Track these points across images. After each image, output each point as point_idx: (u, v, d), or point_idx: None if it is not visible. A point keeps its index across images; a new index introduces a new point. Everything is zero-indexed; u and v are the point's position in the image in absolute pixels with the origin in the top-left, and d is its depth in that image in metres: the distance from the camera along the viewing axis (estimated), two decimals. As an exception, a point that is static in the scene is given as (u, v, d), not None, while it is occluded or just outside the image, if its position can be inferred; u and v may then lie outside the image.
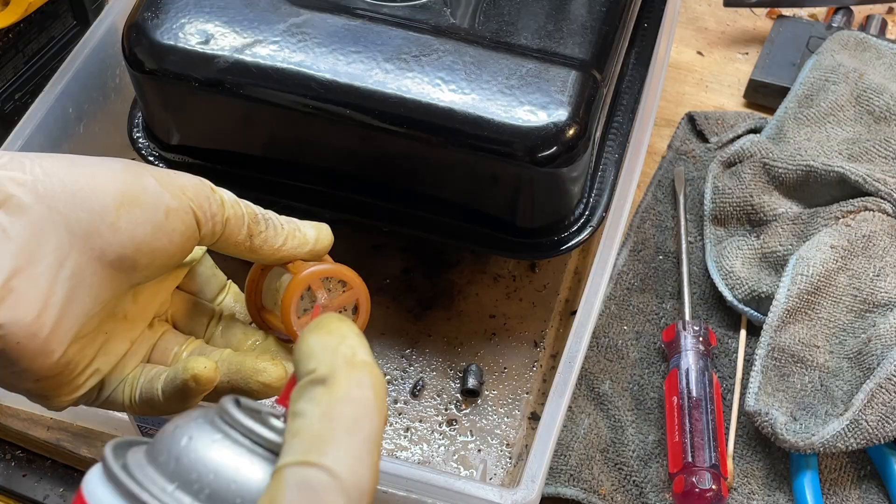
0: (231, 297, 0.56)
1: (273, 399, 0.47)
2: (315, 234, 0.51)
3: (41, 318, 0.43)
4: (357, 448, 0.31)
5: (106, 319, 0.48)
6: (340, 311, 0.52)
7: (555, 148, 0.59)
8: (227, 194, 0.49)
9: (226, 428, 0.34)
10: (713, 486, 0.62)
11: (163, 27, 0.61)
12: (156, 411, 0.50)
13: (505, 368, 0.71)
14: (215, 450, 0.33)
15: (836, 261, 0.69)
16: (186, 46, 0.60)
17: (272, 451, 0.34)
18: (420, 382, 0.70)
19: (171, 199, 0.46)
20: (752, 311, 0.71)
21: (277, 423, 0.34)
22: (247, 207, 0.49)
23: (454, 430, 0.68)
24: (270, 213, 0.51)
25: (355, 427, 0.31)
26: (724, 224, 0.76)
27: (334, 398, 0.32)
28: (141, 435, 0.64)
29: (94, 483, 0.33)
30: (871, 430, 0.62)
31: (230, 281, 0.56)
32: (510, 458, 0.67)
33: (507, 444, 0.68)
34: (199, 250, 0.54)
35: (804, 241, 0.71)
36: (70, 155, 0.46)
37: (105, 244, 0.44)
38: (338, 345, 0.33)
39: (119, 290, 0.46)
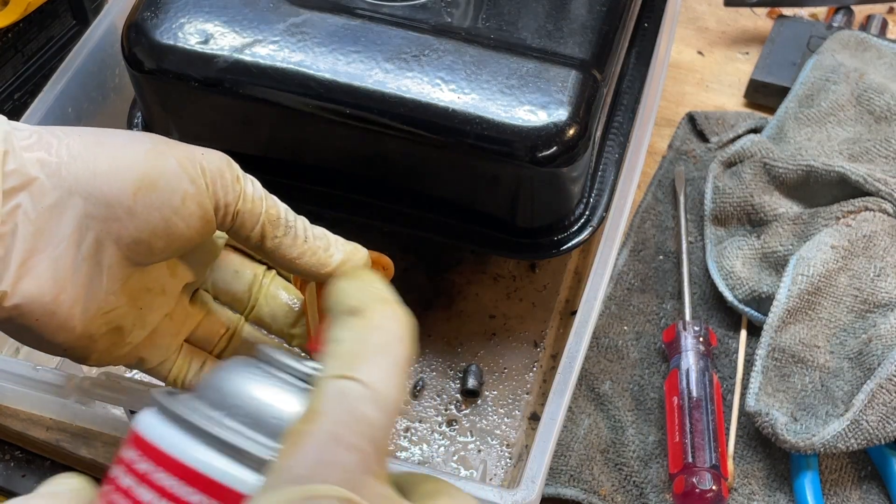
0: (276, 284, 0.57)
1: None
2: (342, 259, 0.50)
3: (58, 298, 0.45)
4: (387, 367, 0.34)
5: (140, 293, 0.49)
6: None
7: (555, 148, 0.58)
8: (251, 186, 0.48)
9: (263, 365, 0.38)
10: (713, 487, 0.62)
11: (162, 27, 0.61)
12: None
13: (505, 369, 0.71)
14: (254, 380, 0.37)
15: (837, 261, 0.69)
16: (186, 46, 0.60)
17: (305, 382, 0.37)
18: (420, 382, 0.70)
19: (189, 184, 0.46)
20: (753, 312, 0.71)
21: (308, 362, 0.38)
22: (270, 207, 0.48)
23: (454, 430, 0.68)
24: (300, 222, 0.49)
25: (386, 350, 0.34)
26: (725, 224, 0.76)
27: (367, 326, 0.35)
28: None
29: (145, 418, 0.36)
30: (871, 431, 0.62)
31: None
32: (510, 459, 0.67)
33: (507, 445, 0.68)
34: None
35: (805, 241, 0.71)
36: (99, 130, 0.47)
37: (122, 228, 0.45)
38: (368, 285, 0.37)
39: (140, 268, 0.48)
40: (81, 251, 0.45)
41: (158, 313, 0.51)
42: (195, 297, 0.55)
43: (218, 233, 0.51)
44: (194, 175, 0.46)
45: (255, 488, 0.33)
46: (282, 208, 0.49)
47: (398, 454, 0.67)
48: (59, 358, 0.63)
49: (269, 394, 0.36)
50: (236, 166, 0.48)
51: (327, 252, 0.49)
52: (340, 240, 0.50)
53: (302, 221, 0.49)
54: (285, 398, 0.36)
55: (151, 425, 0.36)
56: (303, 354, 0.40)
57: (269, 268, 0.57)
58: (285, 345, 0.44)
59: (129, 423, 0.37)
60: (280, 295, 0.56)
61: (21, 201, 0.44)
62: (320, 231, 0.50)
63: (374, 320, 0.35)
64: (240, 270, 0.56)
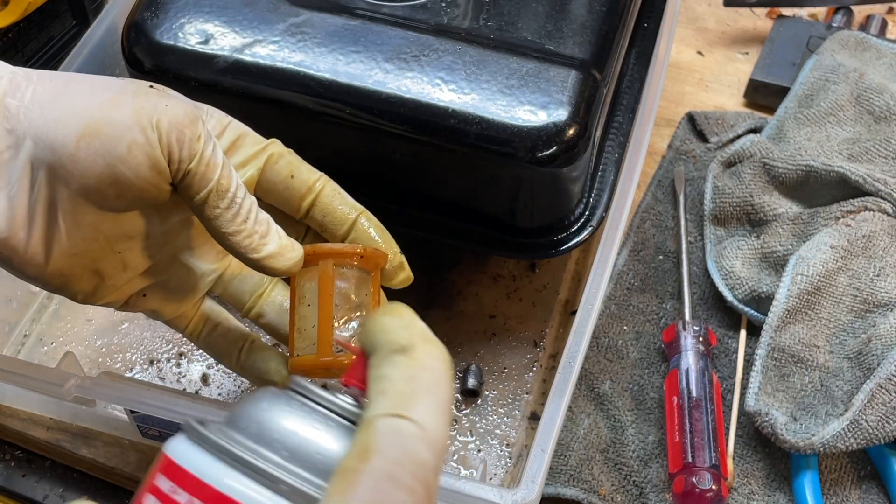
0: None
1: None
2: (275, 250, 0.50)
3: (17, 235, 0.47)
4: (437, 407, 0.34)
5: (118, 238, 0.50)
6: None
7: (555, 148, 0.59)
8: (210, 151, 0.48)
9: (300, 398, 0.37)
10: (713, 487, 0.62)
11: (162, 27, 0.61)
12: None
13: (505, 368, 0.71)
14: (292, 413, 0.36)
15: (837, 261, 0.69)
16: (186, 46, 0.60)
17: (344, 418, 0.36)
18: (420, 382, 0.70)
19: (139, 134, 0.46)
20: (752, 311, 0.71)
21: (345, 397, 0.37)
22: (223, 178, 0.48)
23: (454, 430, 0.68)
24: (249, 202, 0.49)
25: (434, 390, 0.34)
26: (724, 224, 0.76)
27: (415, 365, 0.35)
28: (140, 434, 0.64)
29: (180, 446, 0.35)
30: (871, 431, 0.62)
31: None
32: (510, 458, 0.67)
33: (507, 444, 0.68)
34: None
35: (804, 241, 0.71)
36: (77, 76, 0.48)
37: (67, 173, 0.46)
38: (412, 323, 0.37)
39: (105, 214, 0.49)
40: (34, 193, 0.47)
41: (143, 259, 0.52)
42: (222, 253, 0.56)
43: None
44: (146, 125, 0.46)
45: None
46: (234, 183, 0.49)
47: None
48: (59, 358, 0.63)
49: (310, 428, 0.36)
50: (203, 127, 0.48)
51: (263, 239, 0.49)
52: (281, 232, 0.50)
53: (251, 202, 0.49)
54: (327, 433, 0.36)
55: (187, 453, 0.35)
56: (338, 382, 0.39)
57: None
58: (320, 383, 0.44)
59: (161, 448, 0.36)
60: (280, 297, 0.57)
61: None
62: (264, 217, 0.50)
63: (422, 360, 0.35)
64: (246, 273, 0.57)
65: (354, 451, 0.32)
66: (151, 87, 0.48)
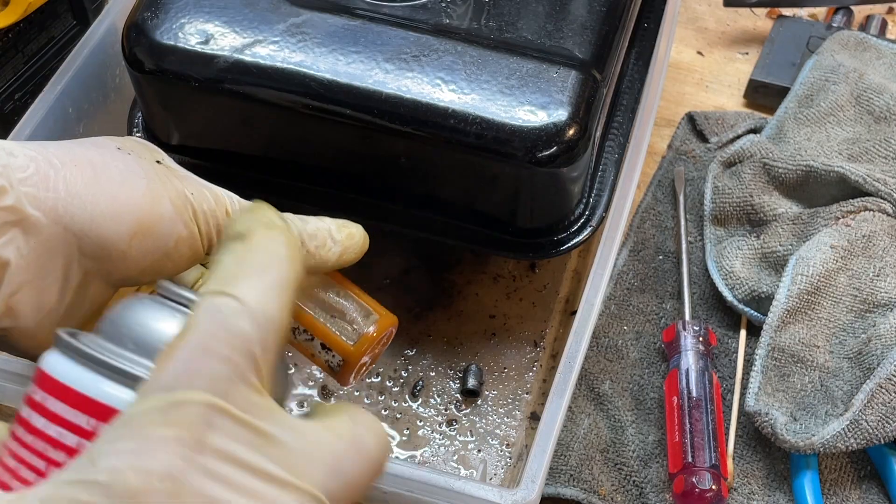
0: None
1: None
2: (339, 251, 0.50)
3: (41, 325, 0.45)
4: (266, 285, 0.35)
5: (100, 314, 0.49)
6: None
7: (555, 148, 0.59)
8: (239, 207, 0.49)
9: (153, 296, 0.40)
10: (713, 487, 0.62)
11: (163, 27, 0.61)
12: None
13: (505, 368, 0.71)
14: (142, 309, 0.39)
15: (836, 261, 0.69)
16: (186, 46, 0.60)
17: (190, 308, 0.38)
18: (420, 382, 0.70)
19: (183, 228, 0.47)
20: (752, 311, 0.71)
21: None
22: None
23: (454, 430, 0.68)
24: (295, 229, 0.49)
25: (266, 269, 0.35)
26: (724, 224, 0.76)
27: (248, 248, 0.36)
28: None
29: (46, 354, 0.38)
30: (871, 431, 0.62)
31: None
32: (510, 459, 0.67)
33: (507, 445, 0.68)
34: None
35: (804, 241, 0.71)
36: (99, 158, 0.47)
37: (113, 268, 0.46)
38: (260, 214, 0.37)
39: (116, 294, 0.48)
40: (69, 284, 0.46)
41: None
42: None
43: None
44: (188, 219, 0.47)
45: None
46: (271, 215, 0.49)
47: (398, 454, 0.67)
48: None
49: (155, 321, 0.38)
50: (224, 199, 0.49)
51: (324, 248, 0.50)
52: (334, 226, 0.50)
53: (296, 226, 0.49)
54: (170, 323, 0.38)
55: (48, 358, 0.37)
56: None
57: None
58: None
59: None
60: None
61: (14, 237, 0.44)
62: (313, 227, 0.50)
63: (257, 243, 0.36)
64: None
65: (179, 332, 0.33)
66: (158, 163, 0.49)
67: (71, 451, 0.35)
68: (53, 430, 0.36)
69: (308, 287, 0.51)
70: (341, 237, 0.51)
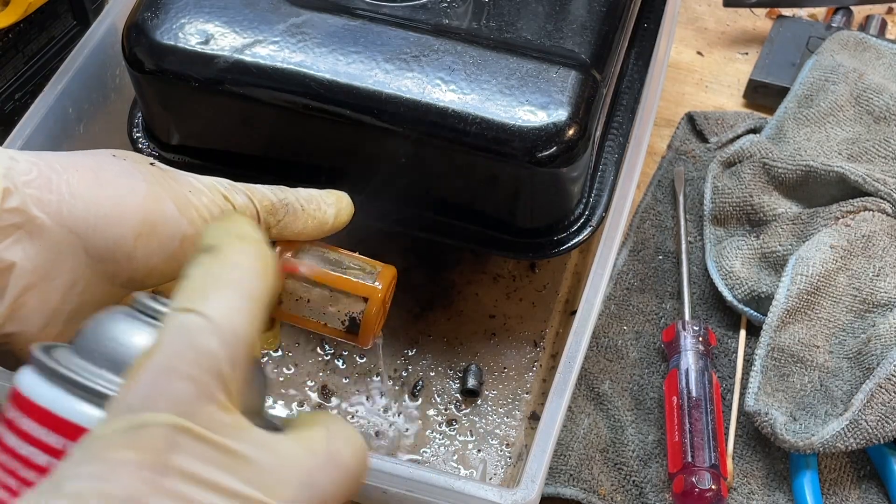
0: None
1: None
2: (334, 211, 0.52)
3: (45, 330, 0.45)
4: (235, 300, 0.34)
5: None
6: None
7: (555, 148, 0.59)
8: (240, 198, 0.49)
9: (129, 310, 0.39)
10: (713, 486, 0.62)
11: (163, 27, 0.61)
12: None
13: (505, 368, 0.71)
14: (114, 324, 0.38)
15: (836, 261, 0.69)
16: (186, 46, 0.60)
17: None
18: (420, 382, 0.70)
19: (188, 226, 0.47)
20: (752, 311, 0.71)
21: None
22: (262, 201, 0.49)
23: (454, 430, 0.68)
24: (289, 195, 0.50)
25: (235, 284, 0.34)
26: (724, 224, 0.76)
27: (218, 262, 0.35)
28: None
29: (21, 371, 0.37)
30: (870, 430, 0.62)
31: None
32: (510, 458, 0.67)
33: (507, 444, 0.68)
34: None
35: (804, 241, 0.71)
36: (97, 164, 0.47)
37: (119, 269, 0.46)
38: (229, 224, 0.36)
39: (122, 297, 0.48)
40: (75, 288, 0.45)
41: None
42: None
43: None
44: (192, 216, 0.47)
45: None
46: (270, 194, 0.50)
47: (398, 454, 0.67)
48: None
49: (128, 336, 0.37)
50: (221, 187, 0.49)
51: (321, 210, 0.51)
52: (322, 192, 0.52)
53: (291, 194, 0.51)
54: (143, 339, 0.37)
55: (22, 376, 0.37)
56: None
57: None
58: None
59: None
60: None
61: (20, 238, 0.43)
62: (306, 194, 0.51)
63: (227, 256, 0.35)
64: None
65: (146, 351, 0.33)
66: (152, 164, 0.49)
67: (42, 471, 0.35)
68: (25, 450, 0.35)
69: (313, 250, 0.53)
70: (332, 199, 0.52)
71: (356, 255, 0.54)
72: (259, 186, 0.51)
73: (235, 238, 0.36)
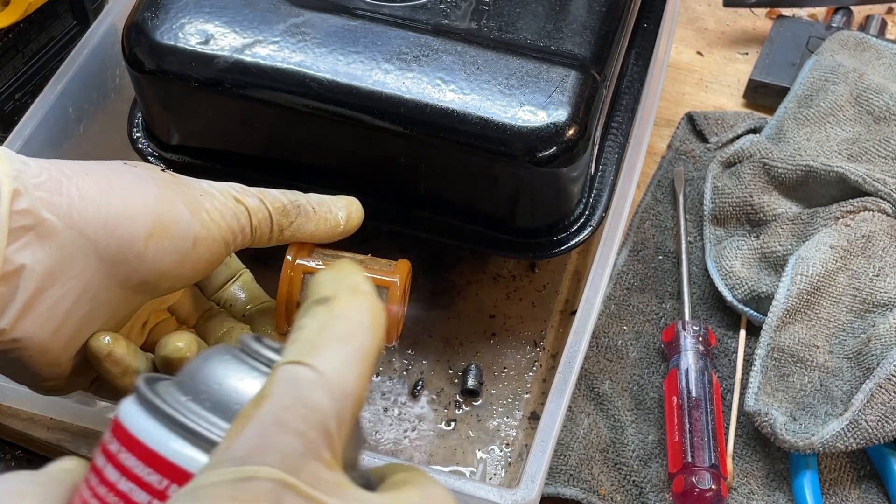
0: (238, 285, 0.57)
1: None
2: (345, 214, 0.53)
3: (56, 336, 0.45)
4: (346, 355, 0.33)
5: (125, 321, 0.49)
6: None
7: (554, 148, 0.59)
8: (252, 201, 0.50)
9: (237, 352, 0.38)
10: (713, 486, 0.62)
11: (163, 27, 0.61)
12: (105, 393, 0.53)
13: (505, 368, 0.71)
14: (223, 366, 0.37)
15: (836, 261, 0.69)
16: (186, 46, 0.60)
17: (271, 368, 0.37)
18: (420, 382, 0.70)
19: (201, 229, 0.47)
20: (752, 311, 0.71)
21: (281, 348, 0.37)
22: (273, 203, 0.50)
23: (454, 430, 0.68)
24: (300, 198, 0.51)
25: (348, 338, 0.34)
26: (724, 224, 0.76)
27: (331, 314, 0.34)
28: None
29: (124, 403, 0.37)
30: (870, 430, 0.63)
31: (245, 269, 0.58)
32: (510, 459, 0.67)
33: (507, 444, 0.68)
34: None
35: (804, 241, 0.71)
36: (106, 168, 0.47)
37: (131, 271, 0.46)
38: (345, 276, 0.36)
39: (137, 307, 0.48)
40: (86, 292, 0.45)
41: (136, 338, 0.52)
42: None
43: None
44: (205, 219, 0.47)
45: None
46: (281, 196, 0.51)
47: (398, 454, 0.67)
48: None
49: (235, 380, 0.37)
50: (234, 191, 0.49)
51: (332, 213, 0.52)
52: (333, 197, 0.53)
53: (302, 197, 0.51)
54: (250, 385, 0.37)
55: (125, 409, 0.37)
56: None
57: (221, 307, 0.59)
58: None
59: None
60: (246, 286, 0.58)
61: (30, 241, 0.43)
62: (317, 198, 0.52)
63: (340, 309, 0.34)
64: (197, 303, 0.57)
65: (253, 399, 0.32)
66: (164, 170, 0.49)
67: None
68: (125, 485, 0.35)
69: (327, 252, 0.54)
70: (342, 203, 0.53)
71: (368, 256, 0.55)
72: (271, 190, 0.51)
73: (349, 290, 0.35)
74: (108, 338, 0.47)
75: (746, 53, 0.91)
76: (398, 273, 0.53)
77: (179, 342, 0.49)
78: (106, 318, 0.47)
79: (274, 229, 0.50)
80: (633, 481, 0.66)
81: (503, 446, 0.68)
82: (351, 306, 0.35)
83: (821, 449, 0.63)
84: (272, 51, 0.60)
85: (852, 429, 0.62)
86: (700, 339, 0.69)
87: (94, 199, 0.45)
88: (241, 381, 0.37)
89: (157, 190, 0.47)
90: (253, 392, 0.35)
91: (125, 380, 0.49)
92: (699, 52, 0.92)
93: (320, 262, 0.53)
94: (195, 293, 0.56)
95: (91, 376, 0.50)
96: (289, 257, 0.53)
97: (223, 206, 0.48)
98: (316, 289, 0.35)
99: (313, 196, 0.52)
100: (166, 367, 0.50)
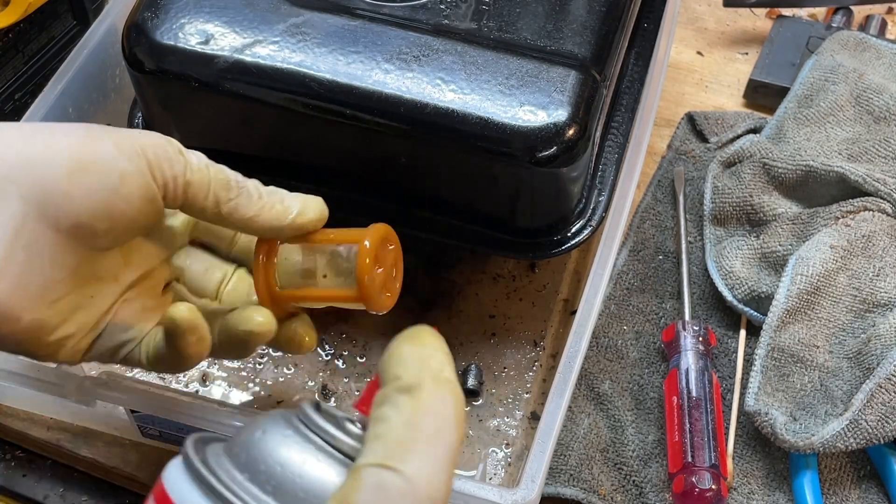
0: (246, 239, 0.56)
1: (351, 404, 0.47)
2: (300, 206, 0.50)
3: (10, 299, 0.44)
4: (436, 460, 0.31)
5: (89, 281, 0.48)
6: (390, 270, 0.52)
7: (555, 148, 0.59)
8: (195, 157, 0.48)
9: (299, 426, 0.35)
10: (713, 486, 0.62)
11: (163, 27, 0.61)
12: (164, 365, 0.51)
13: (505, 368, 0.71)
14: (285, 444, 0.34)
15: (836, 261, 0.69)
16: (186, 46, 0.60)
17: (342, 453, 0.34)
18: (420, 382, 0.70)
19: (128, 163, 0.45)
20: (752, 311, 0.71)
21: (352, 428, 0.35)
22: (218, 173, 0.49)
23: (454, 429, 0.68)
24: (250, 182, 0.50)
25: (436, 439, 0.32)
26: (724, 224, 0.76)
27: (419, 408, 0.32)
28: (140, 433, 0.64)
29: (171, 471, 0.34)
30: (870, 430, 0.63)
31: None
32: (510, 458, 0.67)
33: (507, 445, 0.68)
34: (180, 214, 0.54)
35: (804, 241, 0.71)
36: (37, 123, 0.47)
37: (59, 212, 0.44)
38: (428, 358, 0.33)
39: (85, 255, 0.47)
40: (19, 239, 0.44)
41: (108, 301, 0.50)
42: (168, 289, 0.55)
43: (178, 222, 0.53)
44: (132, 154, 0.46)
45: None
46: (230, 173, 0.49)
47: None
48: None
49: (299, 463, 0.34)
50: (177, 142, 0.48)
51: (283, 204, 0.50)
52: (293, 193, 0.51)
53: (253, 182, 0.50)
54: (318, 470, 0.34)
55: (174, 478, 0.34)
56: (351, 408, 0.37)
57: (238, 266, 0.58)
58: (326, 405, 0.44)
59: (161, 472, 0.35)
60: (242, 292, 0.57)
61: None
62: (270, 188, 0.50)
63: (428, 403, 0.32)
64: (209, 269, 0.57)
65: (334, 502, 0.30)
66: (108, 125, 0.48)
67: None
68: None
69: (294, 244, 0.52)
70: (299, 198, 0.51)
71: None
72: (222, 165, 0.50)
73: (433, 379, 0.33)
74: (183, 307, 0.47)
75: (746, 53, 0.91)
76: (371, 234, 0.51)
77: (181, 309, 0.48)
78: (52, 266, 0.45)
79: (209, 197, 0.48)
80: (634, 481, 0.66)
81: (503, 446, 0.68)
82: (437, 399, 0.32)
83: (821, 449, 0.63)
84: (272, 51, 0.60)
85: (852, 429, 0.62)
86: (700, 339, 0.69)
87: (16, 146, 0.44)
88: (305, 463, 0.34)
89: (83, 130, 0.46)
90: (321, 484, 0.33)
91: (200, 346, 0.49)
92: (699, 52, 0.92)
93: (288, 244, 0.51)
94: (205, 263, 0.56)
95: (86, 337, 0.49)
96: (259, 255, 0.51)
97: (158, 147, 0.47)
98: (397, 370, 0.33)
99: (268, 187, 0.51)
100: (170, 341, 0.49)
